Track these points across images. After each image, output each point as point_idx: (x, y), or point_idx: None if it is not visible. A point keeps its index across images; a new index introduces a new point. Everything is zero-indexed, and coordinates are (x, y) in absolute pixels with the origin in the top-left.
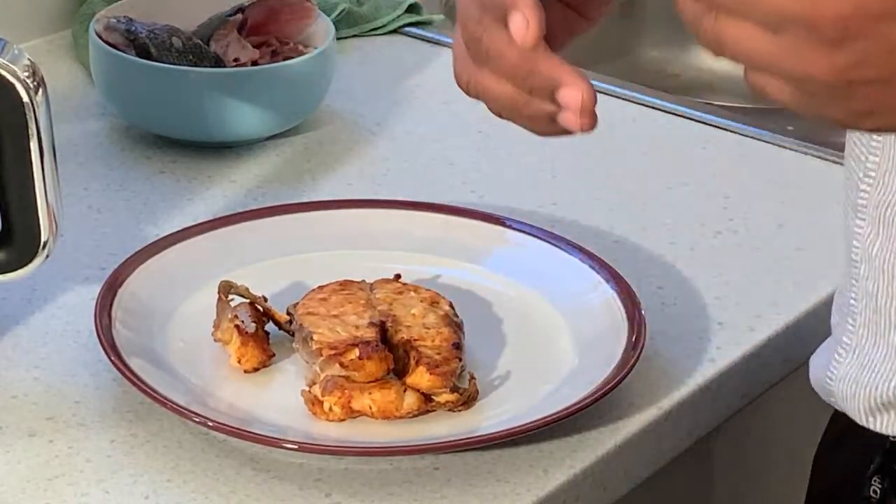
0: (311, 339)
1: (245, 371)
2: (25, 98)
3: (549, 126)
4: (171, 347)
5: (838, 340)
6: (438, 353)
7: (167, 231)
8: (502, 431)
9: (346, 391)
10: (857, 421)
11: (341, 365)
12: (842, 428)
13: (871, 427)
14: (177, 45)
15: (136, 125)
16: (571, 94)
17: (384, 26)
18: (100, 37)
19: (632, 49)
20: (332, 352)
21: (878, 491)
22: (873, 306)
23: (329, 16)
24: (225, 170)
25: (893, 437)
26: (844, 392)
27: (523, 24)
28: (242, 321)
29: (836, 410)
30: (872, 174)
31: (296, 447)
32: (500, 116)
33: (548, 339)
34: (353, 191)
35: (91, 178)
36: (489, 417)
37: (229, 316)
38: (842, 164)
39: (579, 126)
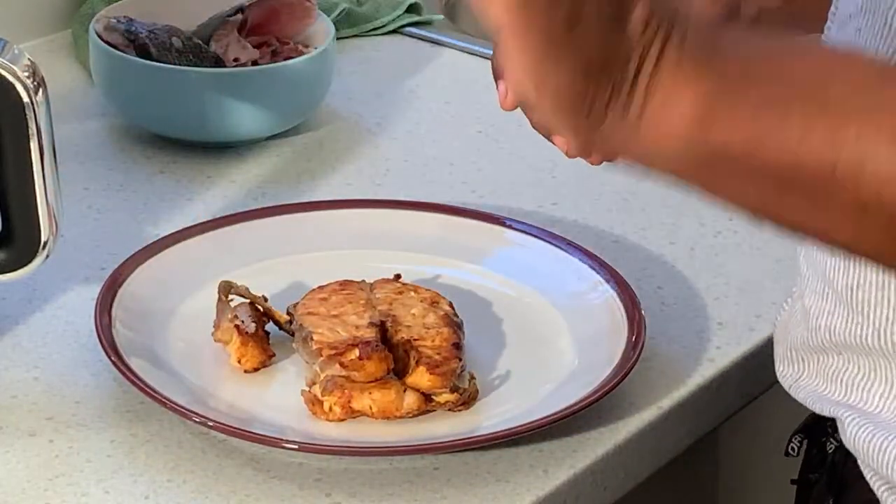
0: (311, 339)
1: (245, 371)
2: (25, 98)
3: None
4: (171, 347)
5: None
6: (438, 353)
7: (167, 231)
8: (502, 431)
9: (346, 391)
10: (776, 370)
11: (341, 365)
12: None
13: (778, 377)
14: (177, 45)
15: (136, 125)
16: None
17: (384, 26)
18: (100, 37)
19: None
20: (332, 352)
21: (796, 448)
22: (807, 256)
23: (329, 16)
24: (225, 170)
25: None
26: (777, 336)
27: (503, 92)
28: (242, 321)
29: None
30: None
31: (296, 447)
32: None
33: (548, 339)
34: (353, 191)
35: (91, 178)
36: (489, 417)
37: (229, 316)
38: None
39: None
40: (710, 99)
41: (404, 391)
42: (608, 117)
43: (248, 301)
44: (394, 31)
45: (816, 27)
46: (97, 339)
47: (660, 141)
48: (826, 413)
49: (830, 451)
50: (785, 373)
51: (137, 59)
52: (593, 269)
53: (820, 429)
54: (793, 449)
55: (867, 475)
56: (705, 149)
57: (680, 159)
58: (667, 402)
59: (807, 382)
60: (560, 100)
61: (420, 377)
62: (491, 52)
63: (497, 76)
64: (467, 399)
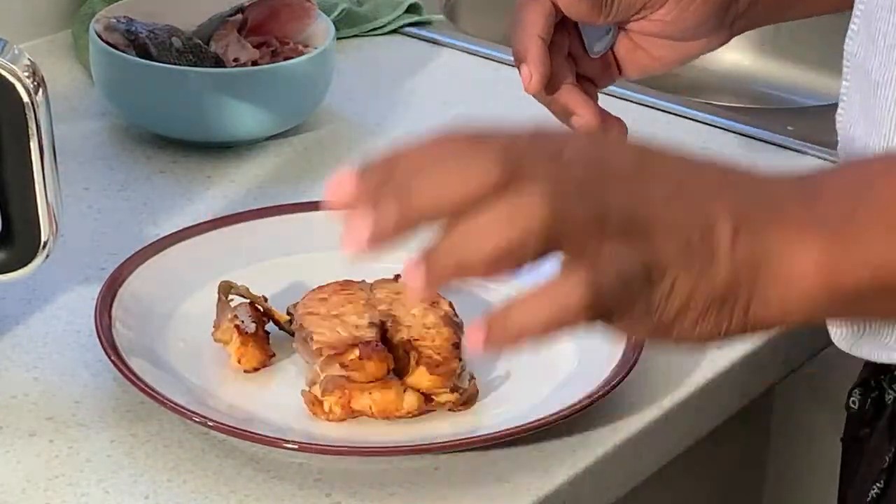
0: (311, 339)
1: (245, 371)
2: (25, 98)
3: None
4: (172, 347)
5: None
6: (438, 353)
7: (167, 231)
8: (502, 431)
9: (346, 391)
10: (831, 335)
11: (341, 365)
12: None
13: (835, 341)
14: (177, 45)
15: (136, 125)
16: (579, 122)
17: (384, 26)
18: (100, 37)
19: None
20: (333, 352)
21: (857, 402)
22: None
23: (329, 16)
24: (225, 170)
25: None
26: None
27: (527, 75)
28: (242, 321)
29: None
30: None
31: (296, 447)
32: None
33: None
34: None
35: (91, 178)
36: (489, 417)
37: (229, 316)
38: None
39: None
40: (825, 256)
41: (404, 391)
42: (750, 318)
43: (248, 301)
44: (394, 31)
45: (808, 11)
46: (97, 339)
47: (795, 310)
48: (893, 361)
49: (889, 402)
50: (843, 335)
51: (137, 59)
52: None
53: (874, 383)
54: (854, 403)
55: None
56: (838, 297)
57: (819, 312)
58: (667, 402)
59: (869, 339)
60: (696, 340)
61: (420, 377)
62: (491, 53)
63: (518, 61)
64: (467, 399)
